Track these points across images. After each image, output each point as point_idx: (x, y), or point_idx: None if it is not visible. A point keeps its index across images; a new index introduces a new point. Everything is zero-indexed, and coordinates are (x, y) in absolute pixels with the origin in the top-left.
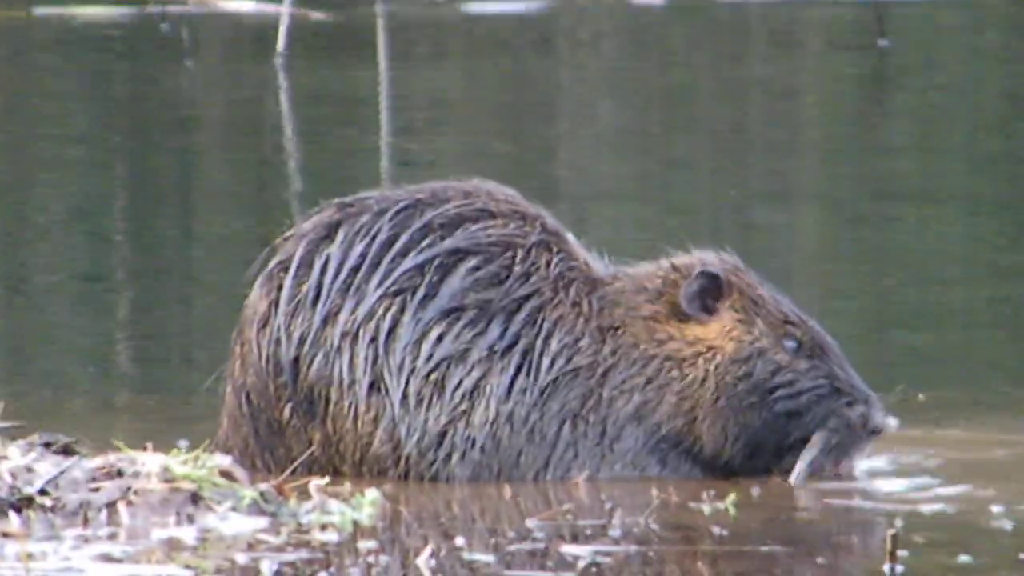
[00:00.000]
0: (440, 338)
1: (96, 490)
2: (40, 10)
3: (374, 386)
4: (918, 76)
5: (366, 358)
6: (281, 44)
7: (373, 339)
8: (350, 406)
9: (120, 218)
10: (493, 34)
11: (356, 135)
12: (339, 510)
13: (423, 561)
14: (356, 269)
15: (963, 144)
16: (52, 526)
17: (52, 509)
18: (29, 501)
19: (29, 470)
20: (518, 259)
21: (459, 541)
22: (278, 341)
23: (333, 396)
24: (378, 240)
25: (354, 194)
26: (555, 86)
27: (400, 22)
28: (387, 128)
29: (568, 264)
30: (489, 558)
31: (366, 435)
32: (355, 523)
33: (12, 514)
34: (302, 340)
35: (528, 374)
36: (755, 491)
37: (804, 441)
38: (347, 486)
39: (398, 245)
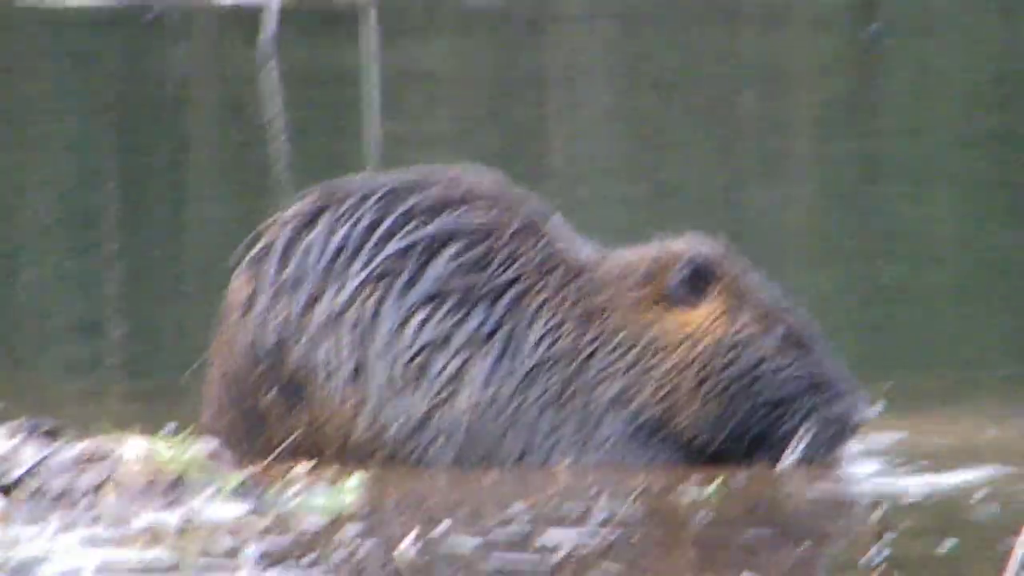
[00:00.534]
0: (423, 323)
1: (80, 475)
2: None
3: (357, 371)
4: (909, 57)
5: (349, 343)
6: (270, 28)
7: (356, 324)
8: (333, 391)
9: (110, 201)
10: (484, 12)
11: (345, 115)
12: (322, 496)
13: (407, 546)
14: (339, 254)
15: (955, 123)
16: (36, 511)
17: (36, 494)
18: (14, 485)
19: (14, 454)
20: (502, 244)
21: (442, 527)
22: (261, 327)
23: (317, 381)
24: (361, 225)
25: (342, 175)
26: (546, 64)
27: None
28: (376, 108)
29: (553, 249)
30: (472, 543)
31: (349, 420)
32: (339, 508)
33: None
34: (284, 325)
35: (511, 359)
36: (739, 477)
37: (788, 433)
38: (330, 471)
39: (381, 230)
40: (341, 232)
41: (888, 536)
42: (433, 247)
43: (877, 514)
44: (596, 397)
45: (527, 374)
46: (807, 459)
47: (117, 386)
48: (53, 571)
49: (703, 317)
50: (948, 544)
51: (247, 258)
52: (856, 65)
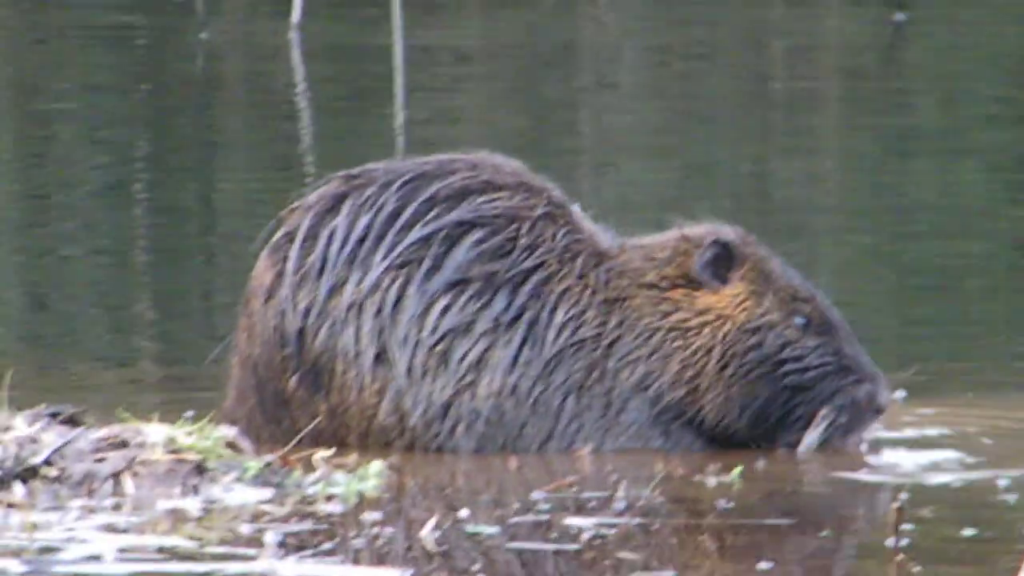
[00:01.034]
0: (445, 310)
1: (101, 461)
2: None
3: (379, 358)
4: (937, 32)
5: (371, 330)
6: (295, 17)
7: (379, 311)
8: (355, 377)
9: (142, 179)
10: None
11: (375, 92)
12: (344, 481)
13: (427, 533)
14: (362, 241)
15: (983, 97)
16: (57, 497)
17: (57, 480)
18: (34, 471)
19: (34, 440)
20: (524, 231)
21: (463, 513)
22: (283, 313)
23: (339, 368)
24: (384, 212)
25: (370, 151)
26: (575, 40)
27: None
28: (402, 85)
29: (574, 236)
30: (493, 530)
31: (371, 406)
32: (360, 494)
33: (17, 484)
34: (308, 312)
35: (533, 346)
36: (760, 464)
37: (809, 417)
38: (352, 457)
39: (404, 217)
40: (364, 219)
41: (908, 524)
42: (455, 234)
43: (899, 500)
44: (620, 383)
45: (550, 360)
46: (828, 443)
47: (143, 371)
48: (74, 556)
49: (726, 301)
50: (970, 531)
51: (269, 244)
52: (884, 42)
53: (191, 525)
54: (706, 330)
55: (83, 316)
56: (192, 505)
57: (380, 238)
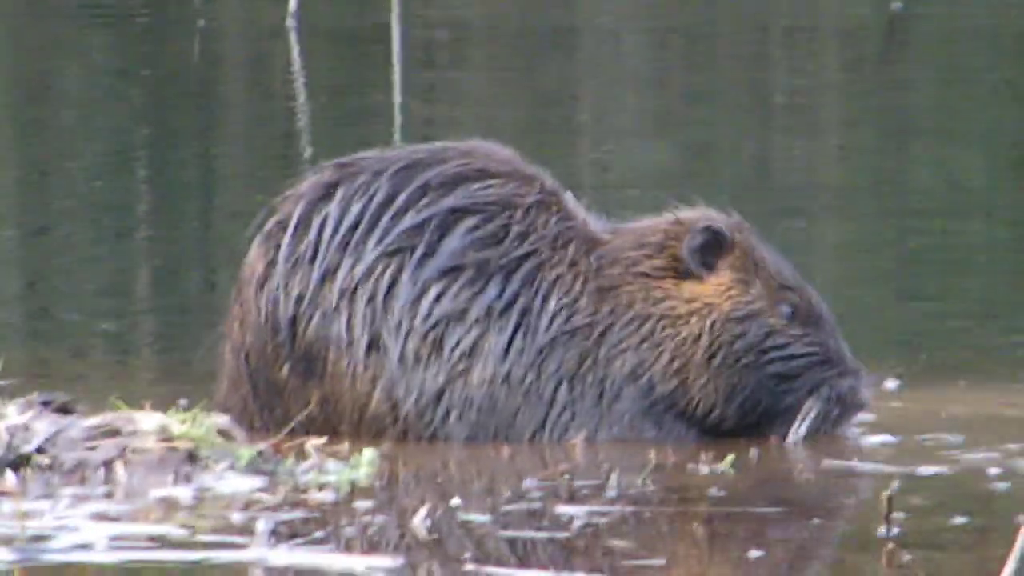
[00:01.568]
0: (438, 297)
1: (93, 449)
2: None
3: (372, 345)
4: (938, 16)
5: (364, 317)
6: (292, 5)
7: (371, 298)
8: (348, 365)
9: (142, 169)
10: None
11: (375, 71)
12: (336, 469)
13: (419, 521)
14: (354, 228)
15: (982, 78)
16: (49, 485)
17: (49, 468)
18: (26, 459)
19: (26, 428)
20: (516, 219)
21: (456, 501)
22: (276, 300)
23: (331, 355)
24: (376, 199)
25: (367, 143)
26: (575, 20)
27: None
28: (399, 65)
29: (566, 224)
30: (485, 518)
31: (364, 395)
32: (352, 483)
33: (8, 472)
34: (300, 299)
35: (526, 334)
36: (753, 453)
37: (794, 407)
38: (345, 445)
39: (396, 204)
40: (356, 207)
41: (899, 513)
42: (448, 222)
43: (889, 489)
44: (612, 371)
45: (543, 348)
46: (814, 433)
47: (143, 362)
48: (65, 545)
49: (713, 289)
50: (960, 519)
51: (262, 232)
52: (884, 26)
53: (183, 513)
54: (694, 319)
55: (80, 302)
56: (184, 493)
57: (372, 225)
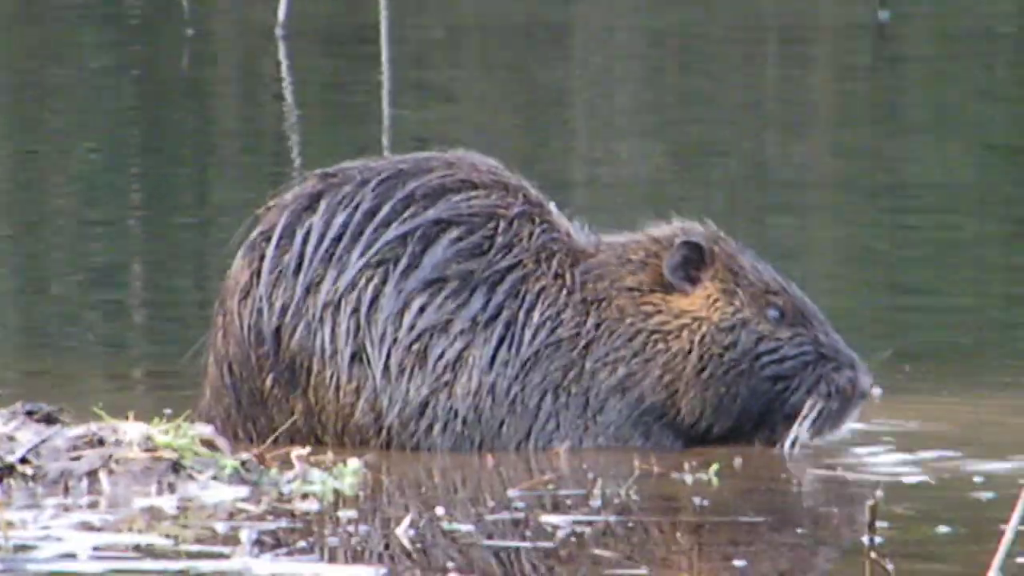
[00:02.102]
0: (422, 309)
1: (77, 459)
2: None
3: (356, 356)
4: (929, 15)
5: (348, 328)
6: (281, 15)
7: (355, 309)
8: (332, 376)
9: (134, 182)
10: None
11: (365, 71)
12: (320, 479)
13: (403, 530)
14: (338, 239)
15: (974, 76)
16: (33, 495)
17: (33, 478)
18: (10, 470)
19: (10, 439)
20: (501, 230)
21: (440, 510)
22: (260, 311)
23: (315, 366)
24: (360, 210)
25: (357, 151)
26: (572, 22)
27: None
28: (387, 68)
29: (551, 235)
30: (469, 527)
31: (348, 405)
32: (336, 492)
33: None
34: (284, 310)
35: (510, 346)
36: (737, 461)
37: (792, 408)
38: (329, 456)
39: (380, 215)
40: (340, 217)
41: (883, 522)
42: (432, 233)
43: (874, 498)
44: (598, 383)
45: (528, 360)
46: (813, 434)
47: (135, 371)
48: (49, 555)
49: (699, 303)
50: (945, 528)
51: (245, 243)
52: (872, 33)
53: (167, 523)
54: (684, 333)
55: (71, 311)
56: (168, 503)
57: (357, 236)
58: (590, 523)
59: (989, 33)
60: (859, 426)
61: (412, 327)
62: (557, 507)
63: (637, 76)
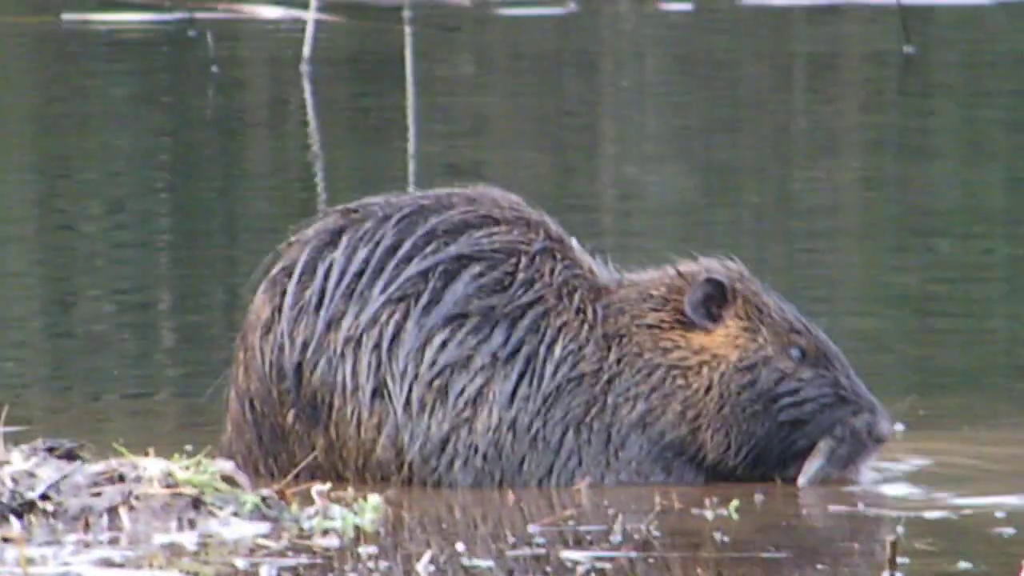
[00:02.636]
0: (443, 344)
1: (97, 495)
2: (69, 16)
3: (377, 392)
4: (956, 40)
5: (369, 364)
6: (307, 50)
7: (376, 345)
8: (353, 412)
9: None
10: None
11: (387, 121)
12: (341, 515)
13: (423, 566)
14: (360, 275)
15: (1004, 102)
16: (53, 531)
17: (53, 514)
18: (30, 506)
19: (31, 475)
20: (522, 266)
21: (460, 547)
22: (281, 347)
23: (336, 402)
24: (382, 246)
25: (382, 186)
26: (596, 44)
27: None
28: (414, 114)
29: (572, 271)
30: (490, 563)
31: (369, 441)
32: (357, 528)
33: (13, 519)
34: (305, 346)
35: (531, 381)
36: (758, 497)
37: (809, 449)
38: (349, 491)
39: (402, 251)
40: (362, 253)
41: (903, 558)
42: (453, 268)
43: (894, 534)
44: (619, 419)
45: (549, 395)
46: (828, 475)
47: (143, 404)
48: None
49: (722, 339)
50: (965, 564)
51: (267, 278)
52: (899, 65)
53: (187, 559)
54: (704, 370)
55: (98, 337)
56: (189, 539)
57: (378, 272)
58: (611, 559)
59: (1018, 62)
60: (881, 461)
61: (433, 363)
62: (578, 543)
63: (665, 103)
